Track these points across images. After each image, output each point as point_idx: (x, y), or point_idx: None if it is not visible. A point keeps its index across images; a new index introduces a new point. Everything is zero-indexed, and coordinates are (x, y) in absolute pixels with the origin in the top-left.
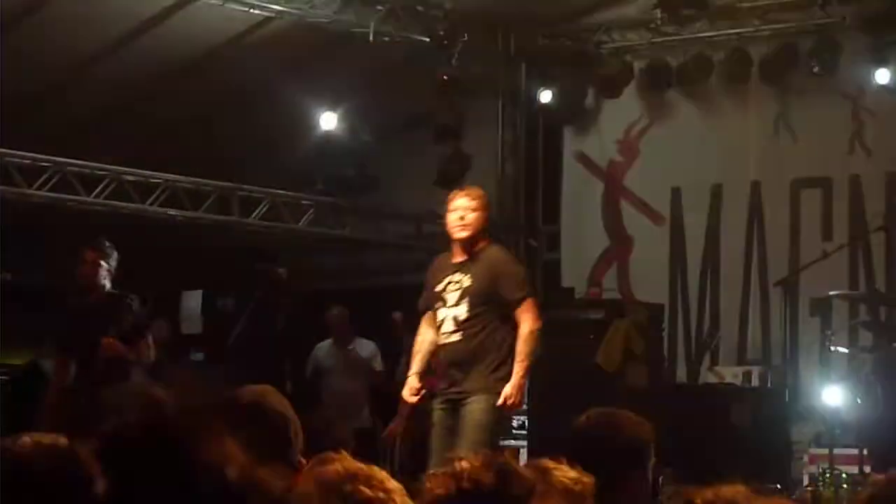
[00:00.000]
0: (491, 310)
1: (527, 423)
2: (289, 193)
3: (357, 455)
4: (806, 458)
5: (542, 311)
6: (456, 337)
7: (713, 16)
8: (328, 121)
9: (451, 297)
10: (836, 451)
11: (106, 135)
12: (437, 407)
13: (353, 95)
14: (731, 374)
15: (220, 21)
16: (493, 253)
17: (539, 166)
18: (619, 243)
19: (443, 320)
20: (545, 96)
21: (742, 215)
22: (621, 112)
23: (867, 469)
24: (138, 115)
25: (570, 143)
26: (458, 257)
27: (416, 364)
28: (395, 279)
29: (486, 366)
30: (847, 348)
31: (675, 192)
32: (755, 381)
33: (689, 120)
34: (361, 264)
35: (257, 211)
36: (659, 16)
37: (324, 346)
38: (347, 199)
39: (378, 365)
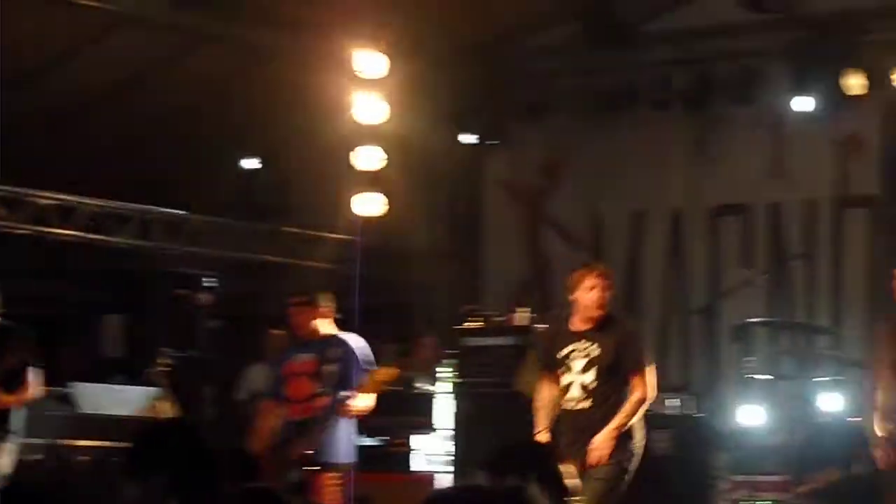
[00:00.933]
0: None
1: (453, 448)
2: (213, 218)
3: None
4: (727, 485)
5: (465, 337)
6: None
7: (636, 43)
8: (247, 147)
9: (578, 364)
10: (758, 477)
11: (26, 157)
12: None
13: (271, 121)
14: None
15: (146, 44)
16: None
17: (461, 191)
18: (541, 269)
19: (569, 385)
20: (468, 122)
21: (663, 242)
22: (544, 137)
23: (788, 495)
24: (60, 139)
25: (493, 169)
26: (582, 326)
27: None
28: None
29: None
30: (768, 375)
31: (597, 219)
32: (676, 409)
33: (611, 146)
34: (282, 288)
35: (179, 236)
36: (583, 42)
37: (258, 369)
38: (269, 224)
39: None
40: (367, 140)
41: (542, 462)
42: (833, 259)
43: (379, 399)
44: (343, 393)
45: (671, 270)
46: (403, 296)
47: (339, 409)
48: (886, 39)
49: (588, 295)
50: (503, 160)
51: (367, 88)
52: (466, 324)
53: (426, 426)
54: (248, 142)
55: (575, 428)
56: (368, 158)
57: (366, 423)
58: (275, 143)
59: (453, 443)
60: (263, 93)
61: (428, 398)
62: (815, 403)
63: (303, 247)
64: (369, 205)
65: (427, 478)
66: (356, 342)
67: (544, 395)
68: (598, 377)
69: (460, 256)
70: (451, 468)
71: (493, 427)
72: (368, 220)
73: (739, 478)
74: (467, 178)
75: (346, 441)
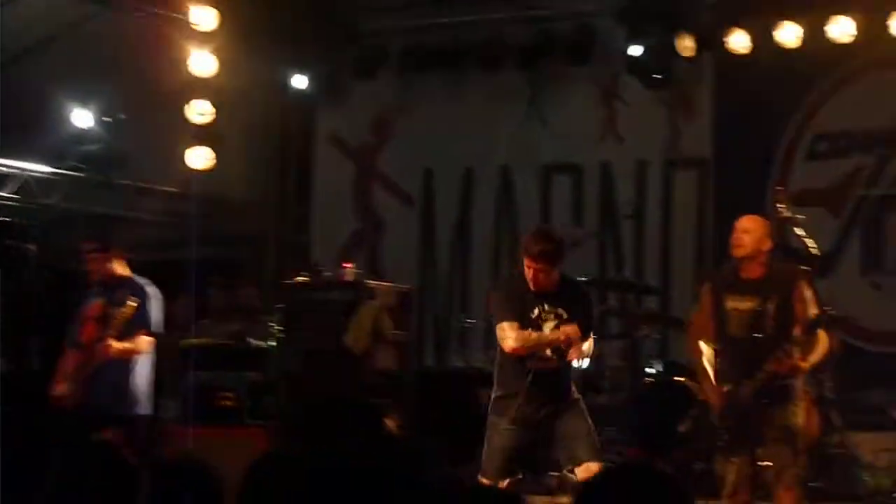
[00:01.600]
0: None
1: (275, 402)
2: (40, 169)
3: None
4: None
5: (294, 292)
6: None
7: (470, 1)
8: (79, 98)
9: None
10: None
11: None
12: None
13: (103, 73)
14: (478, 358)
15: None
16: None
17: (292, 147)
18: (370, 225)
19: None
20: (299, 77)
21: (493, 200)
22: (375, 94)
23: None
24: None
25: (324, 124)
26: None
27: None
28: (151, 255)
29: None
30: (595, 335)
31: (427, 175)
32: None
33: (442, 104)
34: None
35: (8, 187)
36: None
37: None
38: (99, 175)
39: None
40: (200, 93)
41: (368, 419)
42: (662, 220)
43: (211, 352)
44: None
45: (501, 228)
46: (232, 249)
47: (120, 351)
48: (720, 1)
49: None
50: (334, 116)
51: (200, 41)
52: (296, 278)
53: (258, 380)
54: (80, 93)
55: (546, 386)
56: (200, 111)
57: (197, 377)
58: (108, 95)
59: (280, 397)
60: (97, 45)
61: (260, 352)
62: (641, 362)
63: (135, 199)
64: (201, 158)
65: (258, 431)
66: (151, 289)
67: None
68: None
69: (290, 211)
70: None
71: (318, 383)
72: (200, 173)
73: None
74: (299, 134)
75: (138, 391)
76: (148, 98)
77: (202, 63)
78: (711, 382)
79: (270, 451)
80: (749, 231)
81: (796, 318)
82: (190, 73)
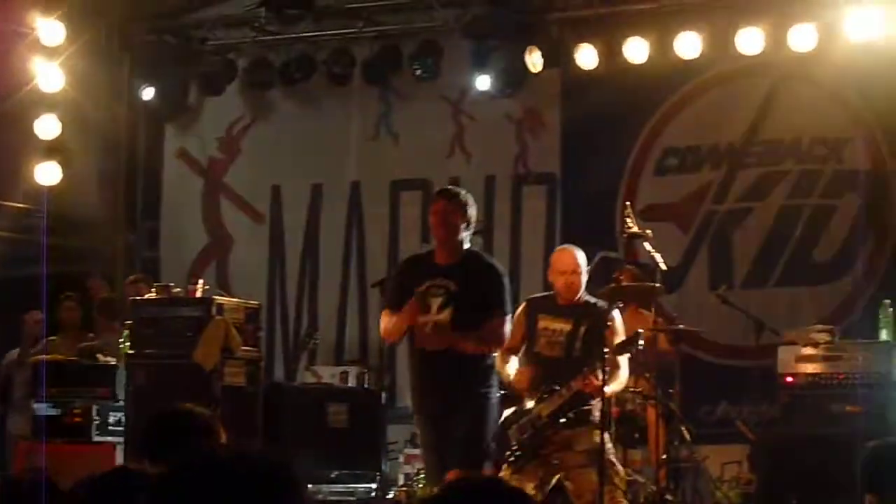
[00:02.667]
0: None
1: (123, 420)
2: None
3: None
4: (402, 458)
5: (142, 307)
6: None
7: (318, 15)
8: None
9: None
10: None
11: None
12: None
13: None
14: (328, 373)
15: None
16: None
17: (140, 162)
18: (219, 241)
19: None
20: (147, 93)
21: (341, 215)
22: (223, 109)
23: None
24: None
25: (172, 140)
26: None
27: None
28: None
29: None
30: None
31: (276, 191)
32: (352, 382)
33: (291, 119)
34: None
35: None
36: (263, 14)
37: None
38: None
39: None
40: (47, 108)
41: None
42: (511, 235)
43: (60, 368)
44: None
45: (349, 244)
46: (80, 265)
47: None
48: (567, 17)
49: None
50: (183, 131)
51: (47, 56)
52: (143, 294)
53: (107, 396)
54: None
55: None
56: (48, 127)
57: (45, 392)
58: None
59: (127, 414)
60: None
61: (110, 369)
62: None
63: None
64: (49, 173)
65: (107, 448)
66: None
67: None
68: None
69: (140, 226)
70: (122, 439)
71: (167, 399)
72: (48, 189)
73: (413, 451)
74: (147, 149)
75: None
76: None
77: (49, 77)
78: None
79: (114, 467)
80: (578, 272)
81: (605, 343)
82: (37, 88)
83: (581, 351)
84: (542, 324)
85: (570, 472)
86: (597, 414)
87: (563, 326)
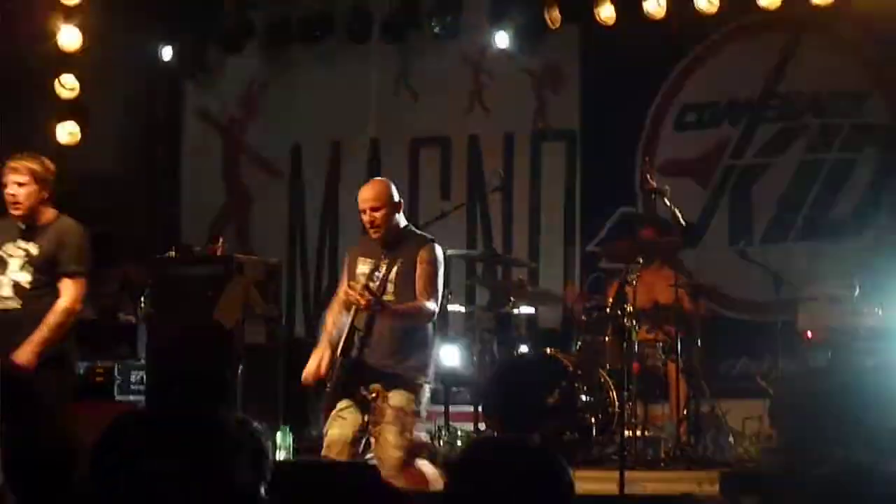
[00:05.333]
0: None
1: (144, 379)
2: None
3: None
4: (423, 415)
5: (163, 267)
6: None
7: None
8: None
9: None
10: (452, 408)
11: None
12: None
13: None
14: None
15: None
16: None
17: (159, 121)
18: (238, 199)
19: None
20: (166, 51)
21: (361, 173)
22: (242, 67)
23: (482, 426)
24: None
25: (191, 99)
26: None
27: None
28: None
29: None
30: (463, 307)
31: (295, 149)
32: None
33: (309, 76)
34: None
35: None
36: None
37: None
38: None
39: None
40: (66, 67)
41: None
42: (531, 192)
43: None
44: None
45: None
46: (101, 225)
47: None
48: None
49: None
50: (202, 90)
51: (66, 14)
52: (166, 253)
53: (130, 356)
54: None
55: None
56: (67, 86)
57: None
58: None
59: (148, 373)
60: None
61: (132, 328)
62: (510, 335)
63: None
64: (68, 133)
65: (128, 407)
66: None
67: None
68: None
69: (159, 185)
70: (144, 398)
71: (189, 357)
72: (68, 148)
73: (435, 408)
74: (166, 107)
75: None
76: (13, 73)
77: (68, 36)
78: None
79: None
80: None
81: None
82: (57, 47)
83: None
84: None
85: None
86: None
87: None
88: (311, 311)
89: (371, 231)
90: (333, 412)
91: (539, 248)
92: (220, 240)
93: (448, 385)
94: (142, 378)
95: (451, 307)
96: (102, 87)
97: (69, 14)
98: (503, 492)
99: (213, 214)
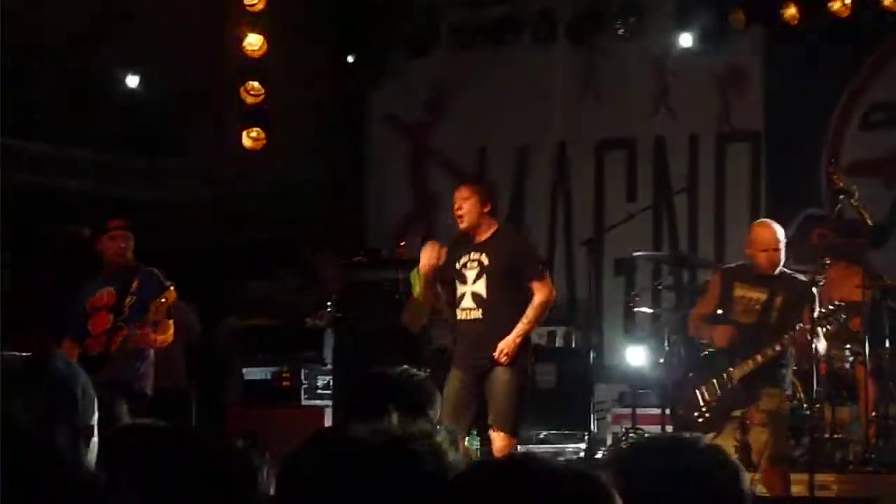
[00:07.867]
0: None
1: (331, 383)
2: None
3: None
4: (609, 418)
5: (350, 271)
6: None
7: None
8: (132, 81)
9: (470, 274)
10: (639, 410)
11: None
12: None
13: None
14: (536, 334)
15: None
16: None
17: (345, 127)
18: (425, 203)
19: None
20: (352, 57)
21: (547, 176)
22: (428, 71)
23: (669, 428)
24: None
25: (378, 104)
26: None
27: None
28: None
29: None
30: (651, 309)
31: (481, 153)
32: (560, 342)
33: (495, 80)
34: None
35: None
36: None
37: None
38: (158, 161)
39: (197, 324)
40: (251, 74)
41: (399, 388)
42: (716, 193)
43: (269, 333)
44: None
45: (556, 203)
46: (285, 231)
47: (136, 340)
48: None
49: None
50: (387, 94)
51: (252, 22)
52: (353, 258)
53: (316, 360)
54: (130, 74)
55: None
56: (252, 91)
57: (254, 358)
58: (160, 75)
59: (334, 378)
60: (143, 26)
61: (318, 332)
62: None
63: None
64: (253, 138)
65: (317, 412)
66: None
67: None
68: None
69: (344, 191)
70: (331, 402)
71: (375, 362)
72: (254, 154)
73: (622, 410)
74: (352, 113)
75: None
76: (203, 79)
77: (254, 43)
78: None
79: (316, 431)
80: (779, 249)
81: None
82: (243, 54)
83: (777, 321)
84: (738, 292)
85: (748, 427)
86: (788, 379)
87: (759, 296)
88: None
89: (767, 267)
90: None
91: (724, 249)
92: (407, 243)
93: (635, 387)
94: (328, 382)
95: (637, 309)
96: (288, 94)
97: (254, 21)
98: (677, 492)
99: (399, 218)
